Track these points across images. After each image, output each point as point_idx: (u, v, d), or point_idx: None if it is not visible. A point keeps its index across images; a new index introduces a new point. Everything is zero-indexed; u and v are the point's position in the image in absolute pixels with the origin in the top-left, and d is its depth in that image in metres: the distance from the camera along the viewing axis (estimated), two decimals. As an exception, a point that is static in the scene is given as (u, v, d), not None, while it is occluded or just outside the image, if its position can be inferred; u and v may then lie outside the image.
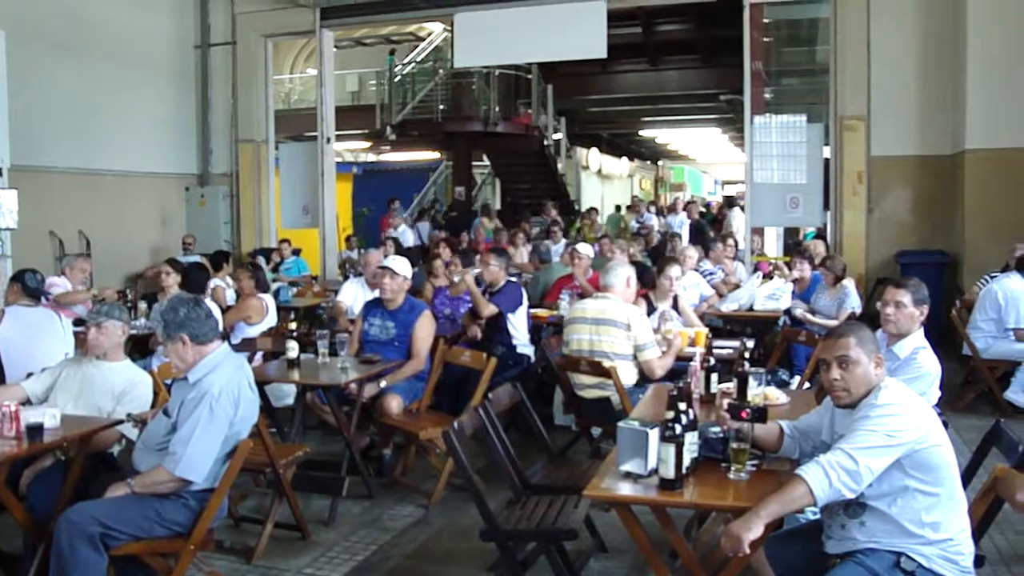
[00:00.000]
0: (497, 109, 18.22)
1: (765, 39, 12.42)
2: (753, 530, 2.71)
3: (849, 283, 7.52)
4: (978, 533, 3.34)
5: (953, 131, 10.14)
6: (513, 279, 7.15)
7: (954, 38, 10.04)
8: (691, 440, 3.03)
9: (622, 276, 5.66)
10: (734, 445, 3.09)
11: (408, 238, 12.00)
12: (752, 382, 3.91)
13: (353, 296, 7.59)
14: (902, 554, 2.81)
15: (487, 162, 21.87)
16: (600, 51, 11.26)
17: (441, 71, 18.34)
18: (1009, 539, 4.50)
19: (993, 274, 7.76)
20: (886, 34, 10.44)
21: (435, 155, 22.28)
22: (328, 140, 12.71)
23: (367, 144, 21.83)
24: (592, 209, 17.54)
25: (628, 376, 5.37)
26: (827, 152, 10.92)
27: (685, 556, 3.34)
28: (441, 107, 18.07)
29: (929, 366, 3.95)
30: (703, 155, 35.96)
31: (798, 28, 13.52)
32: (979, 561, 3.44)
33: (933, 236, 10.25)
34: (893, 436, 2.77)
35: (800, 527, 3.34)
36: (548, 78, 19.37)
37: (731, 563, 2.97)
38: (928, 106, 10.40)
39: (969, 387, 7.56)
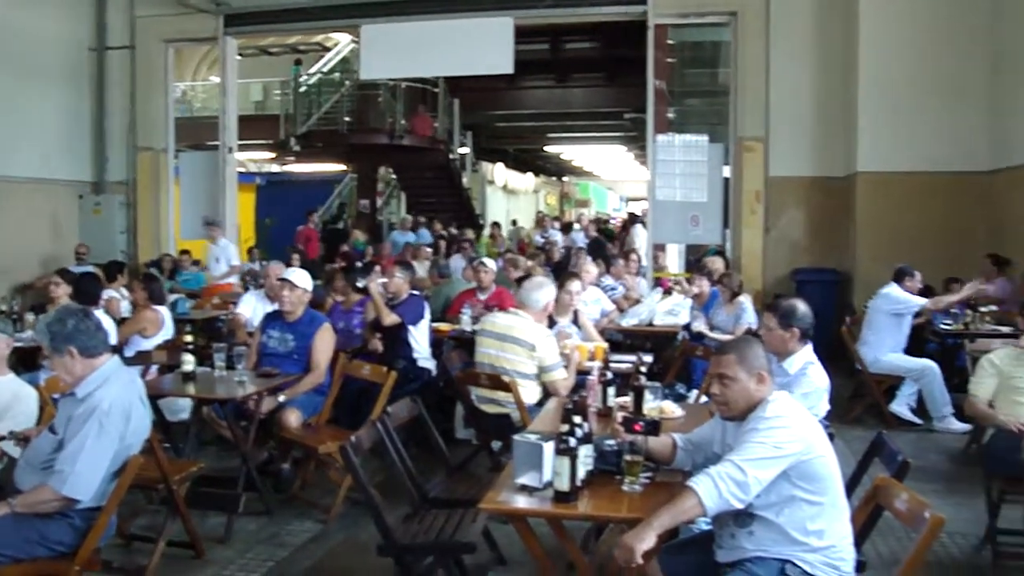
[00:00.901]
0: (403, 122, 18.17)
1: (669, 60, 12.71)
2: (645, 541, 2.75)
3: (745, 299, 7.72)
4: (860, 539, 3.46)
5: (846, 154, 10.52)
6: (416, 292, 7.14)
7: (847, 66, 10.44)
8: (585, 453, 3.06)
9: (542, 298, 5.66)
10: (627, 457, 3.14)
11: (231, 253, 11.76)
12: (648, 395, 3.97)
13: (252, 309, 7.47)
14: (788, 561, 2.89)
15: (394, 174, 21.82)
16: (507, 67, 11.35)
17: (347, 82, 18.20)
18: (890, 545, 4.67)
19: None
20: (784, 59, 10.79)
21: (341, 167, 22.11)
22: (230, 150, 12.50)
23: (271, 155, 21.52)
24: (495, 224, 17.64)
25: (530, 394, 5.39)
26: (727, 171, 11.20)
27: (581, 567, 3.38)
28: (347, 119, 17.93)
29: (818, 381, 4.08)
30: (608, 172, 36.48)
31: (701, 50, 13.84)
32: (861, 566, 3.56)
33: (826, 255, 10.61)
34: (780, 448, 2.86)
35: (692, 537, 3.41)
36: (455, 92, 19.43)
37: (625, 574, 3.01)
38: (823, 129, 10.78)
39: (857, 400, 7.83)
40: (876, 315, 7.63)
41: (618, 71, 18.53)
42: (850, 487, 3.69)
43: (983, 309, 7.91)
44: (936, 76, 9.91)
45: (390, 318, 6.69)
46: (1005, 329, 7.40)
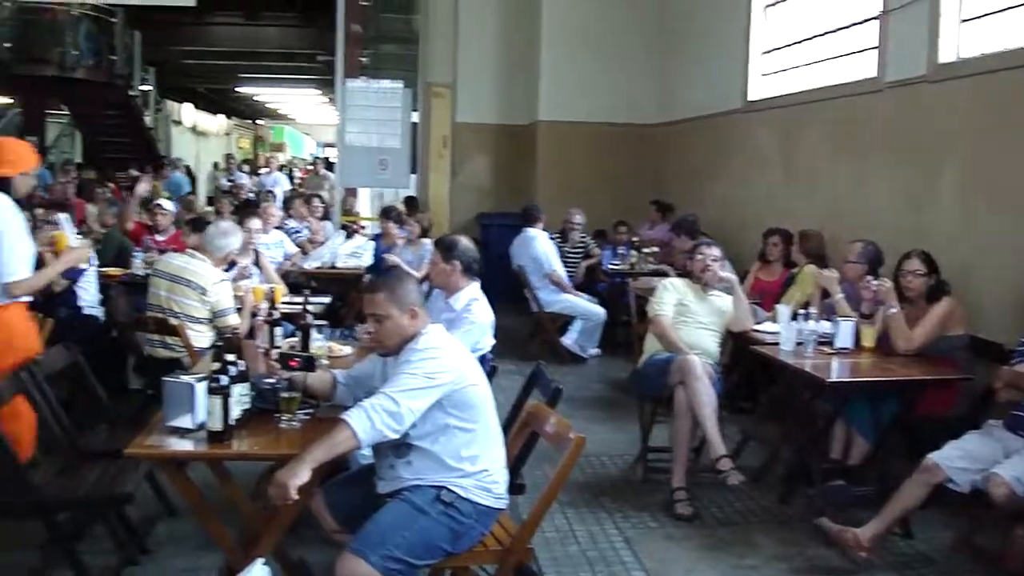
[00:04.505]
0: (76, 53, 16.63)
1: (364, 3, 12.55)
2: (299, 476, 2.72)
3: (429, 241, 7.91)
4: (518, 464, 3.65)
5: (529, 103, 10.94)
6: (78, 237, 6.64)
7: (532, 20, 10.82)
8: (240, 391, 2.98)
9: (226, 245, 5.45)
10: (284, 394, 3.09)
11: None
12: (315, 334, 3.95)
13: None
14: (443, 487, 2.98)
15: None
16: (187, -1, 10.72)
17: (7, 3, 16.33)
18: (547, 472, 4.93)
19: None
20: (473, 9, 11.03)
21: (7, 100, 19.91)
22: None
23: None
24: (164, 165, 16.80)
25: (202, 338, 5.20)
26: (416, 117, 11.30)
27: (244, 509, 3.32)
28: (7, 45, 16.11)
29: (482, 316, 4.24)
30: (305, 116, 35.65)
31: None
32: (520, 489, 3.77)
33: (510, 199, 11.01)
34: (432, 378, 2.92)
35: (357, 471, 3.44)
36: (136, 24, 18.06)
37: (283, 512, 2.98)
38: (508, 79, 11.16)
39: (535, 338, 8.26)
40: (526, 261, 8.06)
41: (312, 12, 18.03)
42: (513, 415, 3.89)
43: (646, 251, 8.56)
44: (612, 35, 10.58)
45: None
46: (666, 268, 8.04)
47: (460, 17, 11.08)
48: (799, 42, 7.99)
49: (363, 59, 12.69)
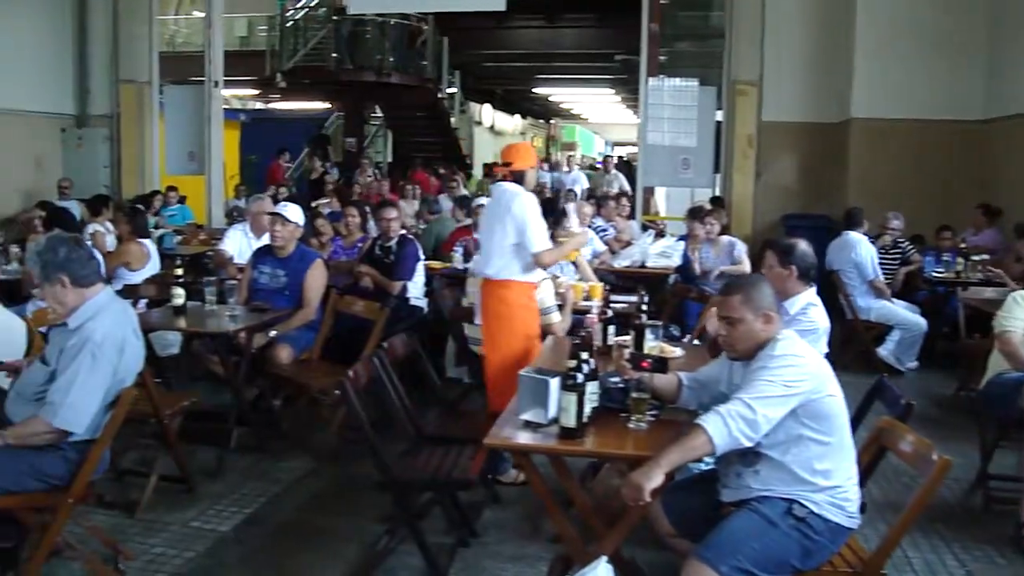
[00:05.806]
0: (391, 59, 17.85)
1: (662, 1, 12.52)
2: (654, 479, 2.72)
3: (734, 239, 7.78)
4: (862, 481, 3.45)
5: (840, 100, 10.41)
6: (403, 231, 7.06)
7: (845, 11, 10.29)
8: (592, 390, 3.02)
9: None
10: (634, 395, 3.10)
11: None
12: (649, 335, 3.93)
13: (237, 244, 7.37)
14: (794, 501, 2.87)
15: (380, 114, 21.52)
16: (498, 3, 11.12)
17: (335, 17, 17.80)
18: (883, 488, 4.70)
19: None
20: (780, 3, 10.63)
21: (326, 105, 21.76)
22: (216, 84, 12.22)
23: (256, 91, 21.17)
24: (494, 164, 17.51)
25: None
26: (719, 116, 11.09)
27: (581, 504, 3.36)
28: (335, 55, 17.55)
29: (819, 321, 4.04)
30: (595, 116, 36.15)
31: (696, -8, 13.70)
32: (862, 508, 3.58)
33: (817, 200, 10.56)
34: (790, 386, 2.82)
35: (693, 477, 3.39)
36: (444, 30, 19.10)
37: (630, 512, 2.99)
38: (818, 75, 10.66)
39: (848, 346, 7.84)
40: (845, 265, 7.67)
41: (609, 12, 18.21)
42: (851, 429, 3.69)
43: (975, 258, 7.91)
44: (933, 24, 9.82)
45: (394, 287, 6.63)
46: (1004, 277, 7.37)
47: (767, 11, 10.73)
48: None
49: (661, 58, 12.62)
